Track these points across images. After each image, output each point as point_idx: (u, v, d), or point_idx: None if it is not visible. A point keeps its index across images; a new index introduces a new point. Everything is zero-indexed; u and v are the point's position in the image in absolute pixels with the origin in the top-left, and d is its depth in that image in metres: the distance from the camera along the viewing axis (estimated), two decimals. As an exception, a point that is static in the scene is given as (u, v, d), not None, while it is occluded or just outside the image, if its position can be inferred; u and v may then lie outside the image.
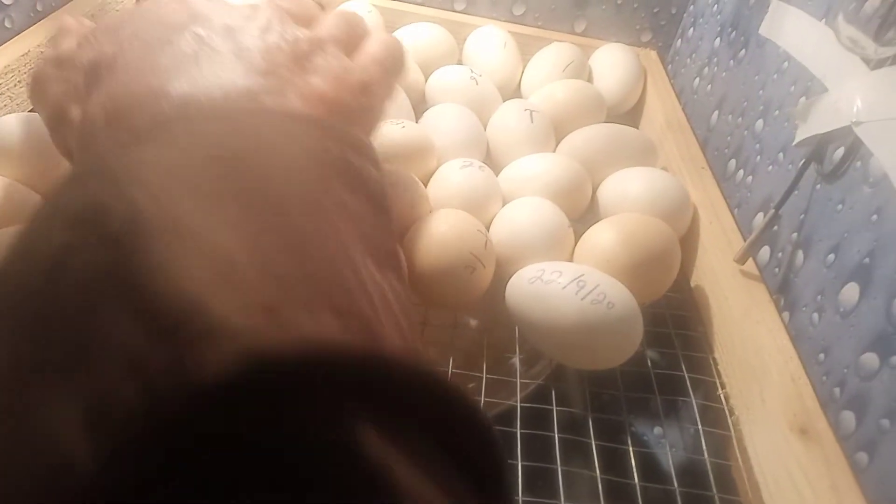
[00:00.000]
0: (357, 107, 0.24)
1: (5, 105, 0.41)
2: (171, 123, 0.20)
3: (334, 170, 0.19)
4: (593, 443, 0.31)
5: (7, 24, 0.43)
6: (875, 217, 0.30)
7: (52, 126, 0.25)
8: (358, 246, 0.17)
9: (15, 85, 0.41)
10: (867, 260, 0.30)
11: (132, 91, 0.22)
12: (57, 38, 0.26)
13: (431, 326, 0.37)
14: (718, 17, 0.52)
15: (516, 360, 0.36)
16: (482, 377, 0.34)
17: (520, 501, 0.28)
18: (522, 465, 0.29)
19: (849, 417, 0.30)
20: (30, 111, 0.36)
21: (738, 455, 0.32)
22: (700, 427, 0.33)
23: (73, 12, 0.48)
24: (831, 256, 0.33)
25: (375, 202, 0.20)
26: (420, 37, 0.55)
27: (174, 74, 0.22)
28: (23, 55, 0.42)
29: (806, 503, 0.28)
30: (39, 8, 0.46)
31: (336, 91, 0.23)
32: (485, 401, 0.33)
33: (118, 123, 0.22)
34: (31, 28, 0.45)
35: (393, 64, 0.27)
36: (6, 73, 0.41)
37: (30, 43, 0.43)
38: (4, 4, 0.43)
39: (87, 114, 0.23)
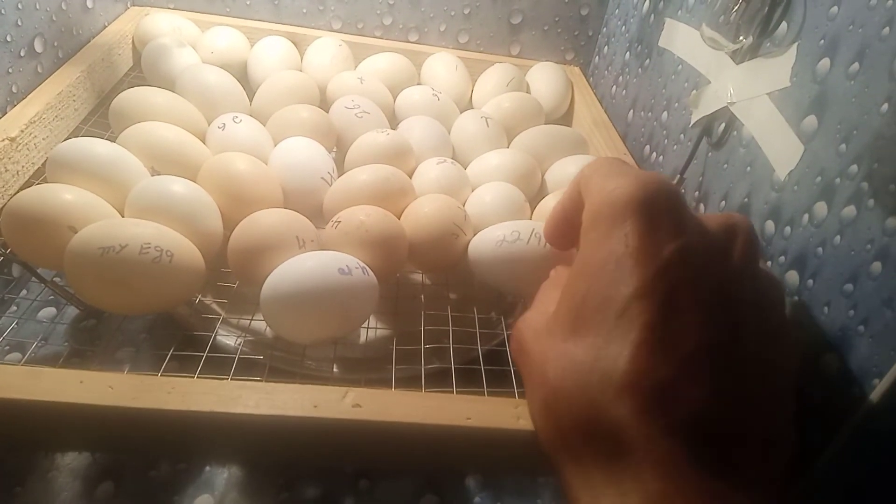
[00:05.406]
0: None
1: (46, 137, 0.48)
2: None
3: None
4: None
5: (38, 69, 0.51)
6: (748, 168, 0.41)
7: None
8: None
9: (54, 119, 0.49)
10: (746, 199, 0.41)
11: None
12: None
13: (402, 299, 0.45)
14: (627, 35, 0.65)
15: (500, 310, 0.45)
16: (448, 329, 0.41)
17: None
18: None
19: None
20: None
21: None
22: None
23: (84, 59, 0.55)
24: (723, 203, 0.44)
25: None
26: (385, 64, 0.65)
27: None
28: (58, 94, 0.50)
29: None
30: (60, 55, 0.54)
31: None
32: (454, 347, 0.40)
33: None
34: (58, 71, 0.53)
35: None
36: (48, 110, 0.48)
37: (61, 83, 0.51)
38: (37, 52, 0.50)
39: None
